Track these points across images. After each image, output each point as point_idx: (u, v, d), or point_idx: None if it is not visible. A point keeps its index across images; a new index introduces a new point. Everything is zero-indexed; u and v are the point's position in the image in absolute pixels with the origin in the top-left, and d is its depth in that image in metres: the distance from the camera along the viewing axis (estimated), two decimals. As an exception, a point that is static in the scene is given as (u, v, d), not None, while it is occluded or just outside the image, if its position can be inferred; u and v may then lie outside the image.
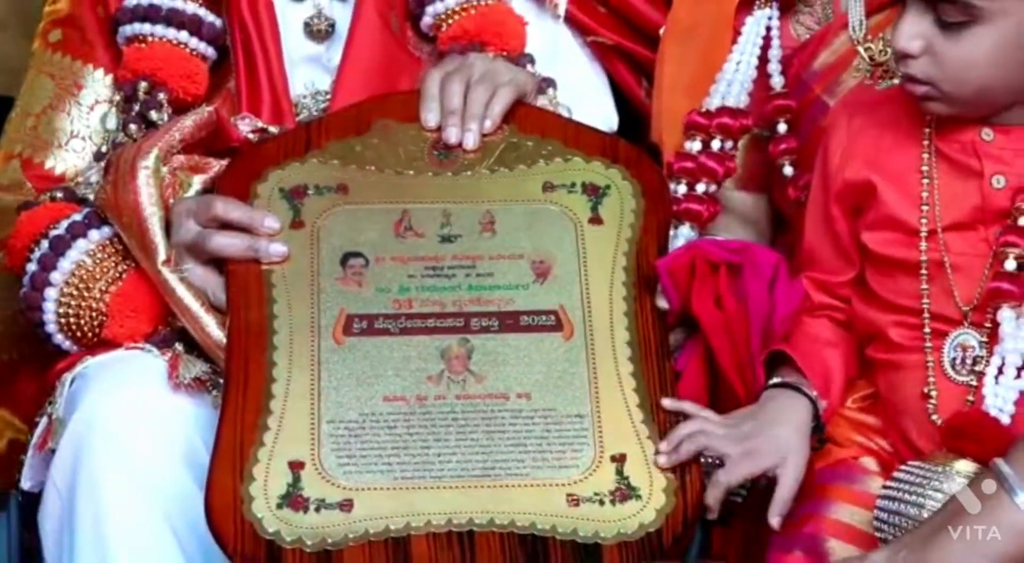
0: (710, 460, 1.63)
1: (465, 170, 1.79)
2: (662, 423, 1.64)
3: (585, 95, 2.08)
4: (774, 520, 1.58)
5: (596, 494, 1.60)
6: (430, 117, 1.80)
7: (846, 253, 1.71)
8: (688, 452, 1.59)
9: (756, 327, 1.70)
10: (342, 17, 2.01)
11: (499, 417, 1.65)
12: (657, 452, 1.63)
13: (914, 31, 1.58)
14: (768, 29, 1.95)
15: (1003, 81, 1.61)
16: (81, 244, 1.81)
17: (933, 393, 1.61)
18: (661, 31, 2.05)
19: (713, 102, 1.91)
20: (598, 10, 2.14)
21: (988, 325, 1.58)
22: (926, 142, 1.67)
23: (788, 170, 1.89)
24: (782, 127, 1.90)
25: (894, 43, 1.64)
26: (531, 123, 1.84)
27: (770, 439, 1.62)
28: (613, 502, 1.59)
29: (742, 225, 1.97)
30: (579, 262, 1.75)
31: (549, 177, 1.80)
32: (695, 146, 1.89)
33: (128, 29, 1.95)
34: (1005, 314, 1.56)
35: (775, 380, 1.66)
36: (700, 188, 1.88)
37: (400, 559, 1.55)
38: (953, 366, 1.60)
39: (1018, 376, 1.56)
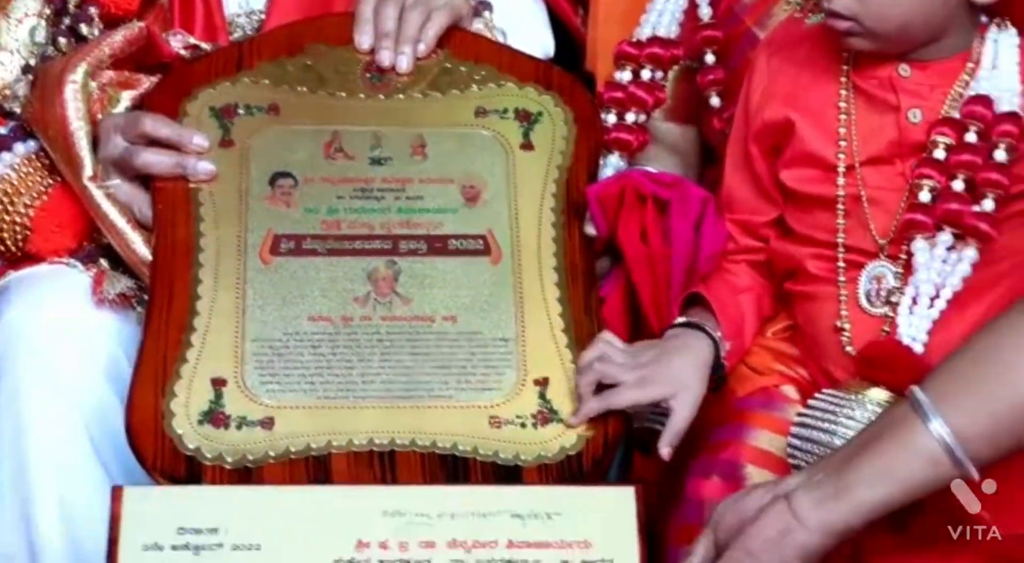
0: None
1: (398, 93, 1.81)
2: (585, 348, 1.66)
3: (522, 20, 2.08)
4: (664, 450, 1.61)
5: (518, 417, 1.63)
6: (364, 39, 1.81)
7: (767, 193, 1.74)
8: (596, 405, 1.62)
9: (677, 266, 1.73)
10: None
11: (424, 339, 1.68)
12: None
13: None
14: None
15: (923, 17, 1.63)
16: (6, 157, 1.83)
17: (846, 325, 1.65)
18: None
19: (644, 32, 1.92)
20: None
21: (903, 257, 1.61)
22: (843, 79, 1.71)
23: (715, 101, 1.91)
24: (709, 58, 1.92)
25: None
26: (465, 48, 1.86)
27: (666, 370, 1.64)
28: (535, 425, 1.62)
29: (670, 155, 1.99)
30: (509, 187, 1.79)
31: (482, 102, 1.83)
32: (625, 76, 1.91)
33: None
34: (919, 245, 1.59)
35: (680, 320, 1.69)
36: (630, 118, 1.90)
37: (320, 477, 1.58)
38: (868, 298, 1.64)
39: (931, 306, 1.59)
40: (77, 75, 1.79)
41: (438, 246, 1.73)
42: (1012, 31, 1.69)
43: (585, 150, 1.82)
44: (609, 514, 1.57)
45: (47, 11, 1.95)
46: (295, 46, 1.85)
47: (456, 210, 1.77)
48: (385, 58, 1.79)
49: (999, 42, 1.68)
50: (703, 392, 1.63)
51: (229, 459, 1.54)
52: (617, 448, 1.64)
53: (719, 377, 1.67)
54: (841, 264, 1.65)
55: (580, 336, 1.68)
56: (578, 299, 1.72)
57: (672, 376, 1.63)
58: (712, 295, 1.69)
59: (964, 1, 1.63)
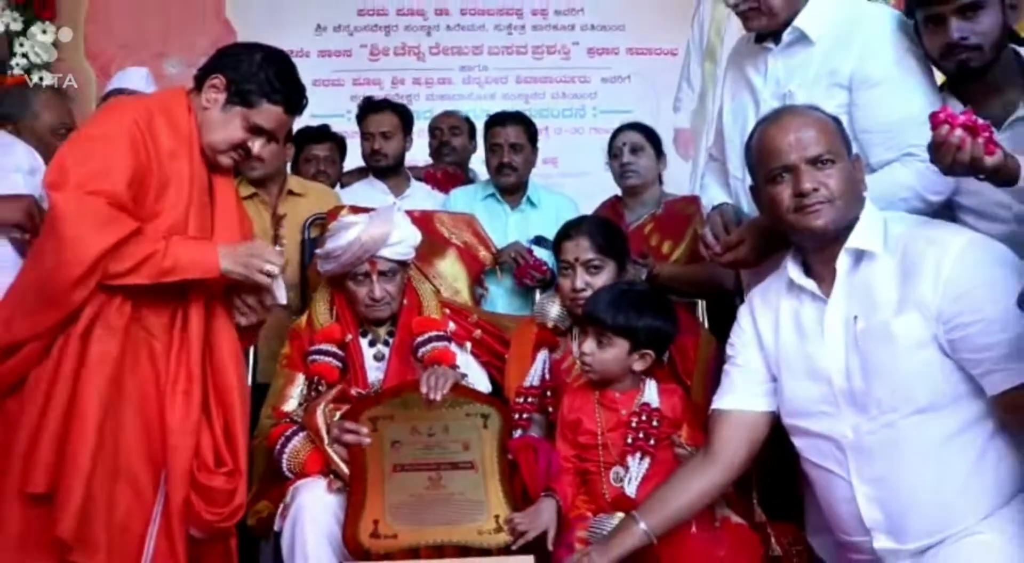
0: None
1: (437, 408, 1.94)
2: (512, 504, 1.88)
3: (479, 379, 2.20)
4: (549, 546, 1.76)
5: (488, 530, 1.84)
6: (423, 389, 1.93)
7: (567, 445, 1.90)
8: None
9: (540, 472, 1.89)
10: (385, 353, 2.15)
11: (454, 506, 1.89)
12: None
13: (587, 347, 1.88)
14: (545, 357, 2.13)
15: (615, 368, 1.87)
16: (295, 439, 2.02)
17: (606, 490, 1.84)
18: (506, 356, 2.20)
19: (526, 383, 2.10)
20: (484, 351, 2.26)
21: (627, 465, 1.82)
22: (596, 400, 1.91)
23: (550, 410, 2.05)
24: (547, 393, 2.08)
25: (579, 351, 1.90)
26: (460, 391, 1.99)
27: (536, 514, 1.81)
28: (493, 533, 1.84)
29: (538, 426, 2.07)
30: (480, 444, 1.95)
31: (466, 410, 1.97)
32: (520, 400, 2.08)
33: (311, 358, 2.14)
34: (630, 459, 1.82)
35: (542, 494, 1.86)
36: (524, 417, 2.05)
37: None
38: (615, 479, 1.84)
39: (637, 481, 1.78)
40: (320, 406, 2.02)
41: (455, 465, 1.92)
42: (653, 381, 1.89)
43: (507, 429, 1.98)
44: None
45: (306, 382, 2.13)
46: (398, 394, 1.99)
47: (459, 452, 1.93)
48: (430, 394, 1.91)
49: (649, 384, 1.90)
50: (555, 514, 1.80)
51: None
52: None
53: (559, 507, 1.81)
54: (602, 467, 1.85)
55: (509, 497, 1.89)
56: (507, 484, 1.92)
57: (543, 516, 1.82)
58: (556, 485, 1.85)
59: (629, 367, 1.87)
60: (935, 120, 1.38)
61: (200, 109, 1.78)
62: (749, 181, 1.67)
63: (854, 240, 1.53)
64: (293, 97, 1.80)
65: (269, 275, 1.73)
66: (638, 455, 1.83)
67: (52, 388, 1.61)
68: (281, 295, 1.77)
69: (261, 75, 1.77)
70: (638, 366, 1.90)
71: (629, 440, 1.85)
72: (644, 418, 1.85)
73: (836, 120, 1.61)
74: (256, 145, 1.81)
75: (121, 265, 1.62)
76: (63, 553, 1.58)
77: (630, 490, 1.81)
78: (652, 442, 1.84)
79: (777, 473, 1.80)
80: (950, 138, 1.36)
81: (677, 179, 3.58)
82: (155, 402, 1.71)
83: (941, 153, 1.39)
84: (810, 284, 1.60)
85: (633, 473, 1.83)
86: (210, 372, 1.77)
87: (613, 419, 1.88)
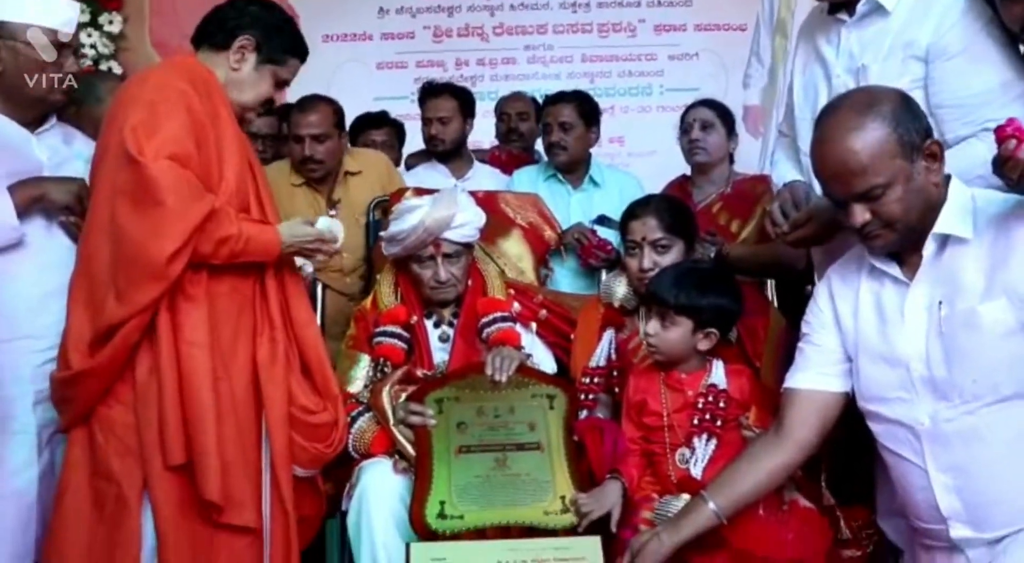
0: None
1: (503, 389, 1.97)
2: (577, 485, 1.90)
3: (544, 360, 2.23)
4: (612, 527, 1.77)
5: (555, 511, 1.88)
6: (488, 370, 1.96)
7: (638, 426, 1.91)
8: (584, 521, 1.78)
9: (607, 456, 1.90)
10: (451, 334, 2.17)
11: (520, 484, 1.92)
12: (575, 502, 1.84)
13: (651, 328, 1.87)
14: (611, 336, 2.13)
15: (679, 348, 1.85)
16: (361, 419, 2.06)
17: (672, 472, 1.84)
18: (572, 336, 2.22)
19: (592, 363, 2.10)
20: (550, 331, 2.27)
21: (692, 445, 1.82)
22: (661, 381, 1.91)
23: (616, 390, 2.05)
24: (614, 372, 2.08)
25: (644, 331, 1.90)
26: (525, 372, 2.03)
27: (601, 493, 1.85)
28: (560, 513, 1.87)
29: (604, 406, 2.08)
30: (546, 423, 1.98)
31: (532, 391, 2.01)
32: (586, 380, 2.09)
33: (376, 340, 2.17)
34: (696, 440, 1.82)
35: (608, 476, 1.87)
36: (590, 397, 2.07)
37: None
38: (681, 461, 1.83)
39: (704, 462, 1.79)
40: (386, 387, 2.05)
41: (521, 446, 1.96)
42: (720, 361, 1.88)
43: (573, 410, 2.01)
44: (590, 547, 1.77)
45: (371, 364, 2.14)
46: (463, 376, 2.03)
47: (524, 433, 1.97)
48: (495, 376, 1.94)
49: (716, 364, 1.89)
50: (620, 495, 1.83)
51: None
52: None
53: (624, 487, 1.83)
54: (668, 449, 1.86)
55: (575, 478, 1.91)
56: (574, 465, 1.94)
57: (608, 498, 1.83)
58: (622, 467, 1.86)
59: (693, 347, 1.86)
60: (1001, 134, 1.33)
61: (227, 70, 1.83)
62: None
63: (942, 225, 1.49)
64: (305, 47, 1.88)
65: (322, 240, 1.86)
66: (704, 437, 1.83)
67: (159, 365, 1.70)
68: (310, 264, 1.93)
69: (285, 30, 1.84)
70: (703, 345, 1.90)
71: (695, 421, 1.84)
72: (711, 399, 1.85)
73: (894, 123, 1.45)
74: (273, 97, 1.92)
75: (204, 247, 1.70)
76: (216, 515, 1.69)
77: (696, 472, 1.80)
78: (719, 423, 1.84)
79: (847, 456, 1.79)
80: (1018, 154, 1.32)
81: (747, 157, 3.51)
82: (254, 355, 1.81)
83: (1007, 168, 1.34)
84: (892, 268, 1.57)
85: (699, 455, 1.83)
86: (288, 319, 1.85)
87: (679, 400, 1.88)
